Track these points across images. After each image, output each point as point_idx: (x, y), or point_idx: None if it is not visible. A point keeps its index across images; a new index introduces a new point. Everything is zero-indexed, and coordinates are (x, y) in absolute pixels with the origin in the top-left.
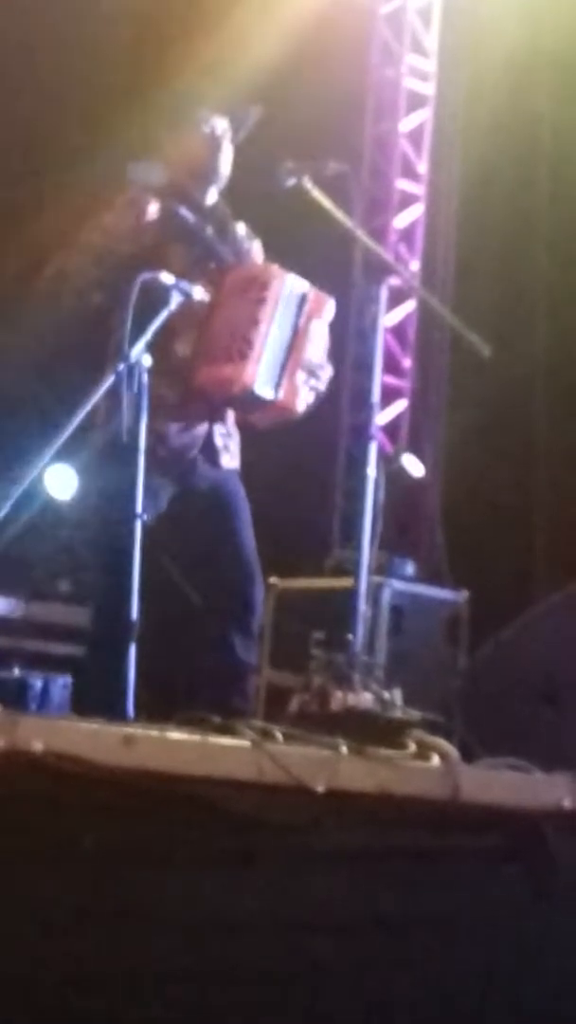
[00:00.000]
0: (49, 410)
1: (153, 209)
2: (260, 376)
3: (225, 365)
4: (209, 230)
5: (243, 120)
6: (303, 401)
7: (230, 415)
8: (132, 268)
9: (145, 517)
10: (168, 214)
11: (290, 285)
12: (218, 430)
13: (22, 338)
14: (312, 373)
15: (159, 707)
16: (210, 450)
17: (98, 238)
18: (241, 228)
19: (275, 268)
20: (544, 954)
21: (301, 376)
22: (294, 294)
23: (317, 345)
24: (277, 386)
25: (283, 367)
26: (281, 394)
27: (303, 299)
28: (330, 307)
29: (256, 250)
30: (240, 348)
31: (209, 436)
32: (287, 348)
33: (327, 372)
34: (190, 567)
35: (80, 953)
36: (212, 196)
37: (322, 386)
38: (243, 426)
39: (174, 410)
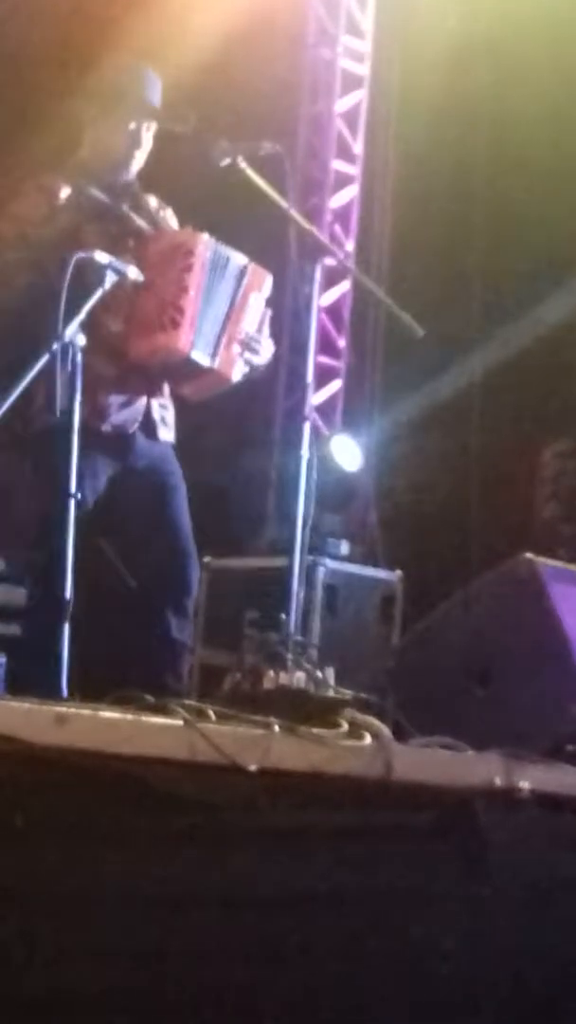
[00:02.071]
0: None
1: (64, 192)
2: (197, 343)
3: (159, 334)
4: (124, 206)
5: (182, 122)
6: (238, 371)
7: (166, 387)
8: (51, 252)
9: (80, 497)
10: (79, 195)
11: (215, 249)
12: (156, 402)
13: None
14: (248, 345)
15: (93, 686)
16: (148, 424)
17: (10, 227)
18: (152, 200)
19: (198, 234)
20: (475, 930)
21: (237, 348)
22: (223, 260)
23: (253, 317)
24: (214, 355)
25: (219, 337)
26: (217, 363)
27: (242, 272)
28: (268, 281)
29: (170, 217)
30: (172, 316)
31: (148, 410)
32: (224, 318)
33: (267, 346)
34: (126, 546)
35: (10, 933)
36: (128, 175)
37: (260, 359)
38: (176, 399)
39: (113, 386)
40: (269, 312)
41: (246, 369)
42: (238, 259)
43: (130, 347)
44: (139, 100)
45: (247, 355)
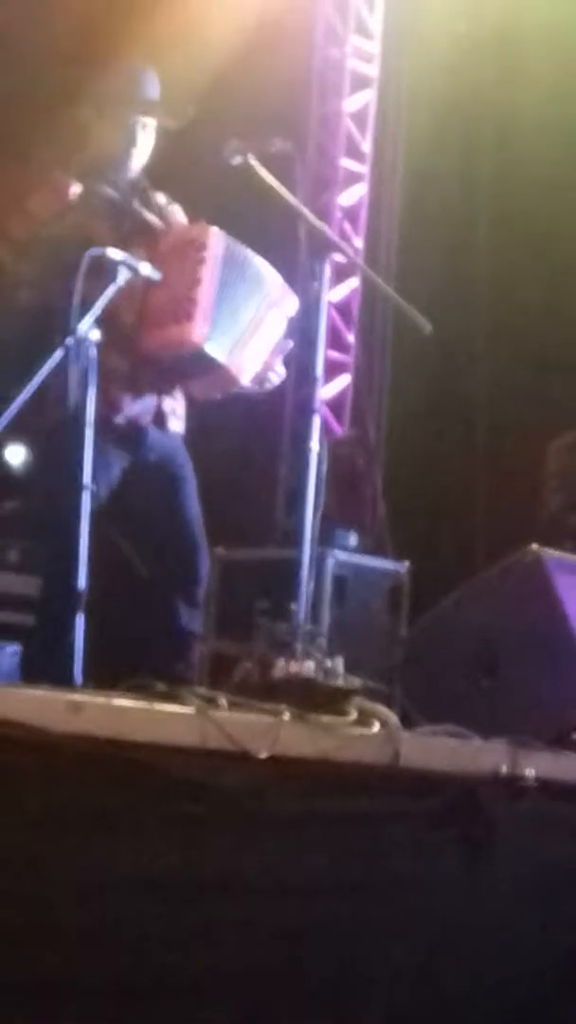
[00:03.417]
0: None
1: (75, 190)
2: (211, 336)
3: (172, 328)
4: (135, 203)
5: (176, 117)
6: (247, 376)
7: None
8: (62, 249)
9: (95, 488)
10: (89, 192)
11: (227, 243)
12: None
13: None
14: (264, 370)
15: (106, 674)
16: (160, 415)
17: (22, 226)
18: (160, 196)
19: (210, 227)
20: (481, 917)
21: (251, 353)
22: (240, 258)
23: (273, 330)
24: (229, 352)
25: (237, 338)
26: (230, 361)
27: (271, 289)
28: (293, 302)
29: (178, 212)
30: (186, 309)
31: (160, 402)
32: (246, 323)
33: (279, 373)
34: (137, 537)
35: (26, 916)
36: (130, 173)
37: (269, 384)
38: (185, 396)
39: (126, 380)
40: (290, 344)
41: (256, 387)
42: (272, 278)
43: (144, 341)
44: (133, 97)
45: (260, 376)
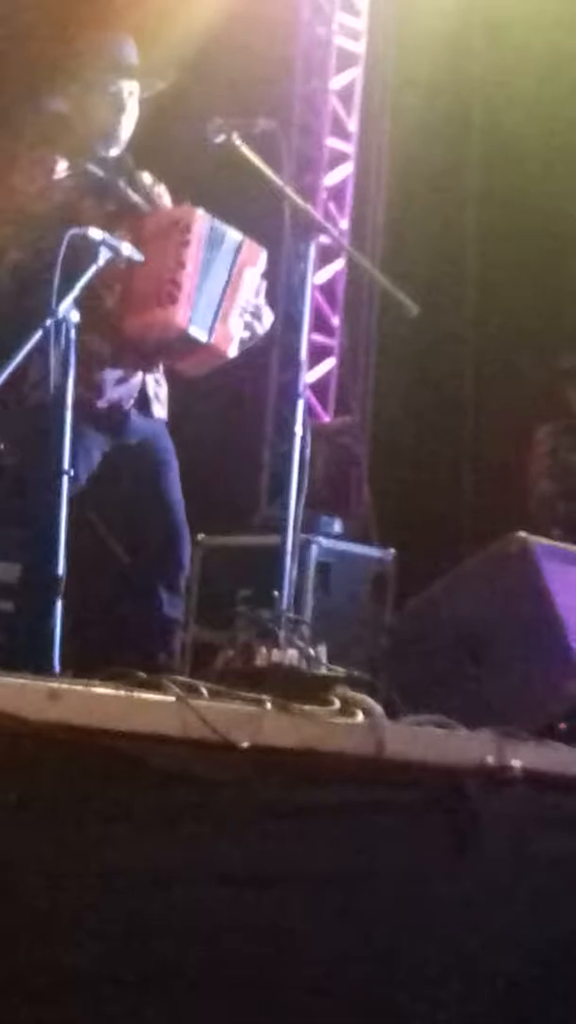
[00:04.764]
0: None
1: (61, 167)
2: (194, 318)
3: (156, 310)
4: (121, 182)
5: (155, 82)
6: (234, 347)
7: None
8: (46, 226)
9: (73, 473)
10: (76, 171)
11: (211, 224)
12: (151, 378)
13: None
14: (244, 316)
15: (85, 662)
16: (143, 400)
17: (7, 199)
18: (146, 176)
19: (194, 209)
20: (466, 909)
21: (234, 321)
22: (220, 236)
23: (249, 292)
24: (211, 330)
25: (216, 312)
26: (214, 338)
27: (238, 248)
28: (263, 257)
29: (164, 194)
30: (169, 291)
31: (143, 386)
32: (221, 293)
33: (267, 314)
34: (118, 523)
35: (3, 907)
36: (115, 150)
37: (259, 327)
38: (173, 375)
39: (109, 364)
40: (265, 284)
41: (246, 335)
42: (234, 235)
43: (125, 324)
44: (116, 64)
45: (248, 319)
